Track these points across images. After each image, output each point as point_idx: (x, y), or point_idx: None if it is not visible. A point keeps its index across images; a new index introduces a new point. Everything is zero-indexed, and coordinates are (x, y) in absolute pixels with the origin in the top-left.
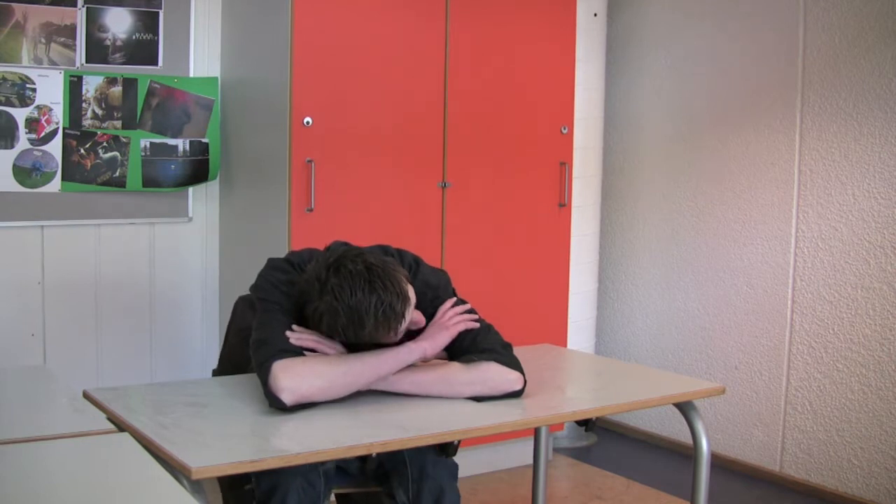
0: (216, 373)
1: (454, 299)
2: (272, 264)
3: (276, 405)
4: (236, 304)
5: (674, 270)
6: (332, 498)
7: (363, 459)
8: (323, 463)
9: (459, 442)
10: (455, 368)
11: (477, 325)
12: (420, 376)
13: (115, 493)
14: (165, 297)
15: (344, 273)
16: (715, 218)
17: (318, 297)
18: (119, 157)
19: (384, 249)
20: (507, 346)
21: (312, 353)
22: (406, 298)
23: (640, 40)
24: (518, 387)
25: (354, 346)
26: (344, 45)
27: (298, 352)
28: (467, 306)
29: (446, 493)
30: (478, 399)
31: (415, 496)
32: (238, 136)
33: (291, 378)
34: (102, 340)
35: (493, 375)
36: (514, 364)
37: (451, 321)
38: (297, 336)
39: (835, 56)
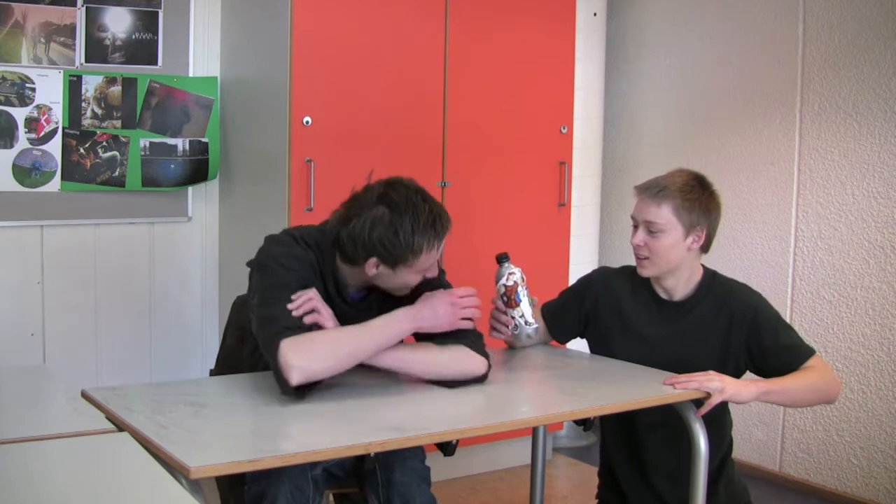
0: (213, 373)
1: (470, 287)
2: (273, 239)
3: (283, 385)
4: (234, 304)
5: None
6: (331, 498)
7: (360, 459)
8: (313, 468)
9: (458, 441)
10: (433, 350)
11: (470, 324)
12: (403, 353)
13: (114, 492)
14: (165, 296)
15: (400, 186)
16: None
17: (372, 207)
18: (118, 157)
19: None
20: (479, 336)
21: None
22: (448, 216)
23: (640, 40)
24: (482, 371)
25: (347, 316)
26: (343, 45)
27: (304, 328)
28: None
29: (415, 499)
30: (448, 385)
31: (386, 501)
32: (237, 136)
33: (300, 357)
34: (102, 340)
35: (463, 358)
36: (482, 351)
37: (460, 313)
38: (299, 303)
39: (835, 56)
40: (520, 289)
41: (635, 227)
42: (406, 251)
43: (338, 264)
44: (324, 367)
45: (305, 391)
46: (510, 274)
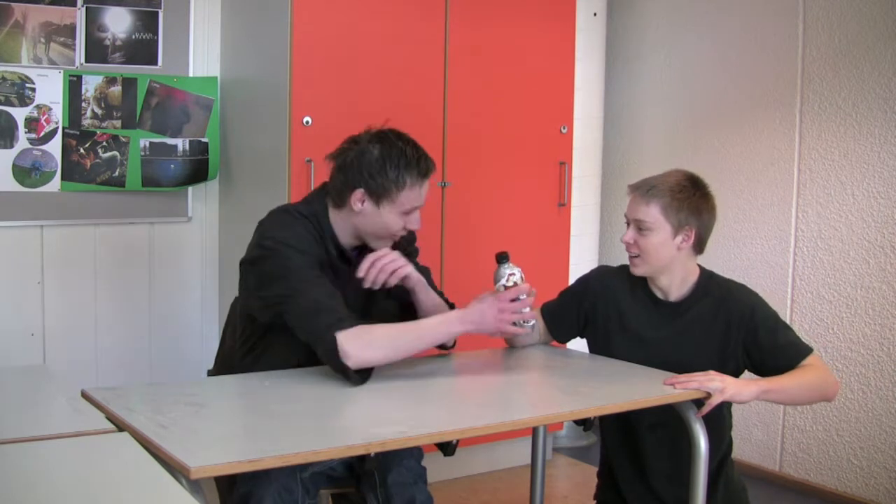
0: (211, 373)
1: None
2: (269, 223)
3: (344, 372)
4: (233, 305)
5: None
6: (330, 500)
7: (360, 459)
8: (303, 470)
9: (458, 441)
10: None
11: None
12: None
13: (115, 492)
14: (164, 296)
15: (394, 131)
16: None
17: (366, 143)
18: (118, 157)
19: None
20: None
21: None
22: (434, 163)
23: (640, 40)
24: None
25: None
26: (343, 45)
27: (351, 316)
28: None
29: (416, 499)
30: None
31: (384, 501)
32: (237, 136)
33: (356, 347)
34: (102, 340)
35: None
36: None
37: (503, 316)
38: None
39: (835, 56)
40: (524, 296)
41: (628, 225)
42: (390, 183)
43: (331, 223)
44: (376, 356)
45: (366, 376)
46: (510, 275)
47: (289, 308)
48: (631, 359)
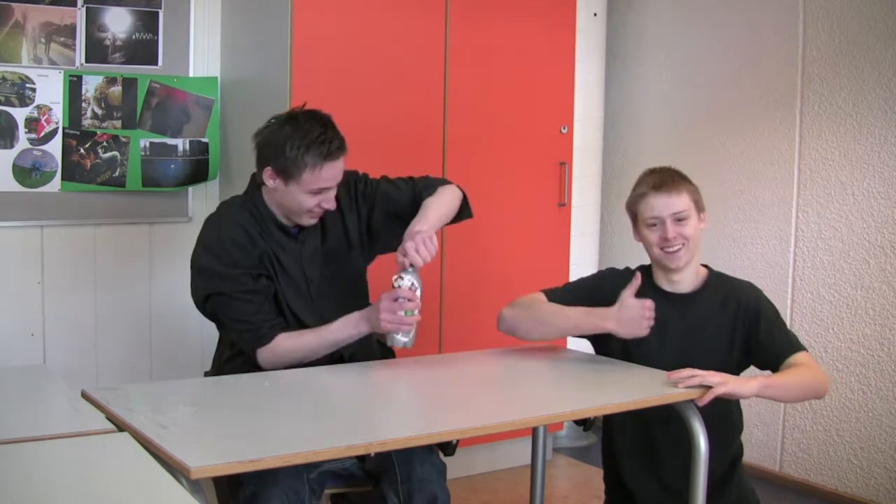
0: (209, 375)
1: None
2: (206, 222)
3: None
4: None
5: None
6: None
7: (361, 459)
8: (309, 471)
9: (458, 441)
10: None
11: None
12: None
13: (115, 492)
14: (164, 297)
15: (309, 112)
16: (714, 218)
17: (278, 123)
18: (119, 157)
19: None
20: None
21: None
22: (344, 143)
23: (640, 40)
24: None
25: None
26: (344, 45)
27: (274, 325)
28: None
29: (438, 496)
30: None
31: (406, 498)
32: (238, 136)
33: (272, 363)
34: (102, 340)
35: (454, 190)
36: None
37: (383, 315)
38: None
39: (835, 56)
40: (404, 300)
41: (655, 225)
42: (292, 164)
43: (266, 203)
44: (285, 365)
45: None
46: (398, 278)
47: (223, 322)
48: (644, 353)
